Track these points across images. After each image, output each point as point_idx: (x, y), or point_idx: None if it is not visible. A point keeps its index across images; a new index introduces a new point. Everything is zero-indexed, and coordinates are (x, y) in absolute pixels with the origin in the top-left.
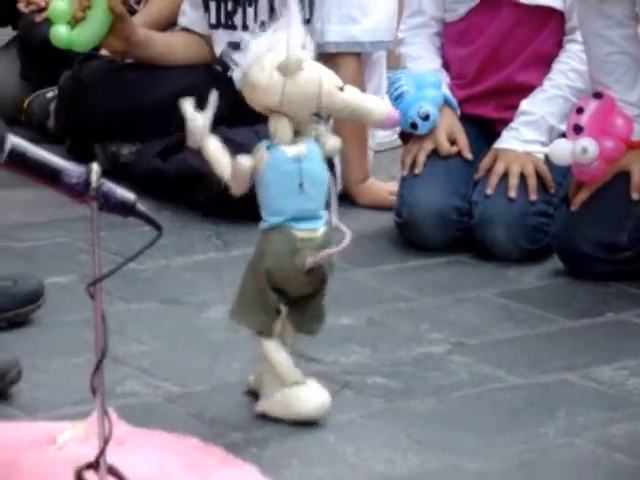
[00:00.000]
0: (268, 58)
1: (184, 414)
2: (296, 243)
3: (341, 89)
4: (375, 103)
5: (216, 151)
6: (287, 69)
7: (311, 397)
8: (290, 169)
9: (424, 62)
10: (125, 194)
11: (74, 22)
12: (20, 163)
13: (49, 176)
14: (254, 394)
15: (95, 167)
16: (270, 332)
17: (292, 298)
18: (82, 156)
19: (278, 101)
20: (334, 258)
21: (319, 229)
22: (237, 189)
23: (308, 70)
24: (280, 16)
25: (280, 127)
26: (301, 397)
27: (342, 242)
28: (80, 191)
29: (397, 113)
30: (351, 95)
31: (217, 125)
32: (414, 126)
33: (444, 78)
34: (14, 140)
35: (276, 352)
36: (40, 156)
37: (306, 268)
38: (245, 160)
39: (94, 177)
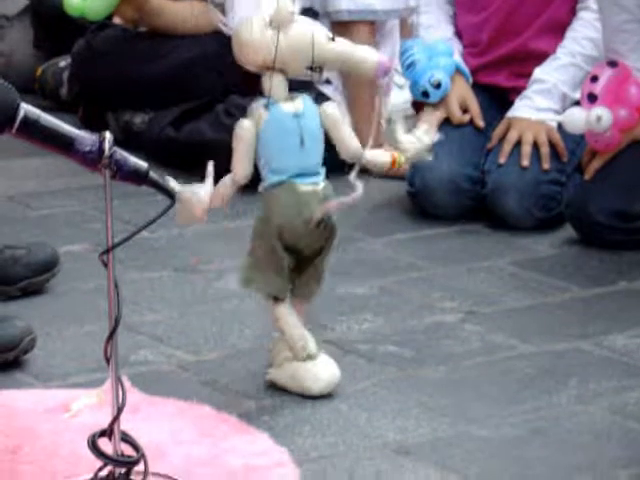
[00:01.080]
0: (255, 14)
1: (197, 382)
2: (301, 196)
3: (332, 39)
4: (366, 52)
5: (218, 192)
6: (280, 21)
7: (320, 374)
8: (291, 125)
9: (436, 30)
10: (138, 162)
11: None
12: (33, 131)
13: (62, 144)
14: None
15: (108, 135)
16: (285, 294)
17: (302, 257)
18: (95, 125)
19: (272, 56)
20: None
21: (320, 183)
22: (243, 168)
23: (299, 23)
24: None
25: (276, 84)
26: (310, 374)
27: (353, 194)
28: (93, 159)
29: (389, 59)
30: (342, 46)
31: (229, 94)
32: (426, 94)
33: (456, 46)
34: (27, 108)
35: (289, 318)
36: (53, 124)
37: (315, 219)
38: (245, 123)
39: (107, 145)
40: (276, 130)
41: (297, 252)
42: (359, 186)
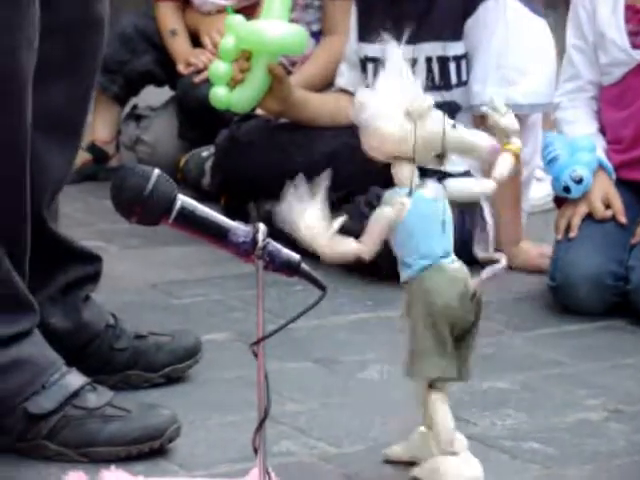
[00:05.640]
0: (392, 107)
1: (340, 475)
2: (451, 273)
3: (454, 127)
4: (478, 137)
5: (338, 245)
6: (419, 115)
7: (464, 471)
8: (434, 210)
9: (580, 126)
10: (290, 254)
11: (233, 84)
12: (189, 222)
13: (216, 234)
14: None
15: (262, 227)
16: (453, 373)
17: (456, 336)
18: (236, 214)
19: (409, 147)
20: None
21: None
22: (372, 246)
23: (432, 113)
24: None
25: (414, 173)
26: (453, 469)
27: (500, 264)
28: (247, 250)
29: (497, 144)
30: (462, 131)
31: (370, 186)
32: (567, 190)
33: (600, 142)
34: (183, 199)
35: (443, 407)
36: (208, 215)
37: (472, 291)
38: (387, 210)
39: (260, 236)
40: (420, 216)
41: (454, 331)
42: (502, 257)
